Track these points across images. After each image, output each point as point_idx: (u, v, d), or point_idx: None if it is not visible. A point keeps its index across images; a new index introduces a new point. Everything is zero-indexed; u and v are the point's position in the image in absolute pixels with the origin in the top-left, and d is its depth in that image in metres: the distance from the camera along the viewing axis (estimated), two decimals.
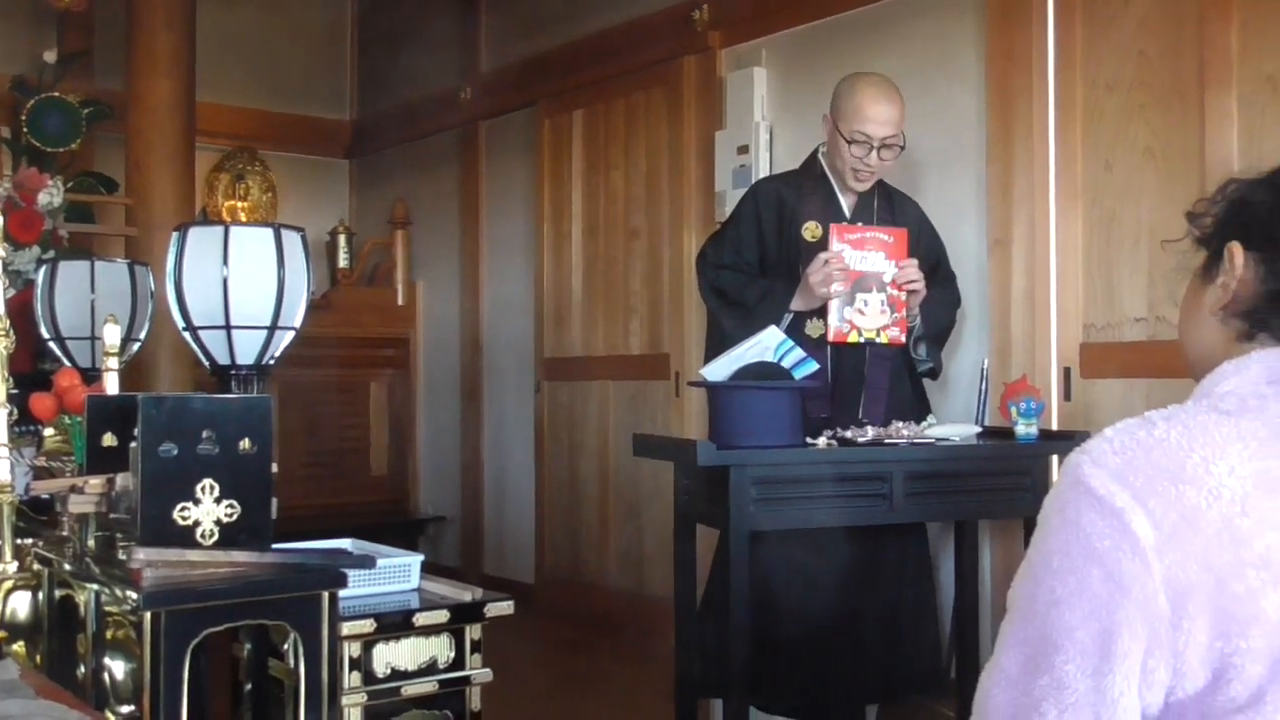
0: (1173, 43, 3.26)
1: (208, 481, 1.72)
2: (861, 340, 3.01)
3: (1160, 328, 3.26)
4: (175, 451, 1.69)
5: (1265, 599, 0.88)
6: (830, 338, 2.99)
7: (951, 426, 2.91)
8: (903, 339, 3.07)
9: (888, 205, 3.24)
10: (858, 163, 3.08)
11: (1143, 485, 0.92)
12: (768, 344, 2.72)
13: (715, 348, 3.16)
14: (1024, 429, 2.83)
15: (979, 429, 2.93)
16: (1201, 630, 0.89)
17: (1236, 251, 1.06)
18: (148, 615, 1.61)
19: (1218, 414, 0.96)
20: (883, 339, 3.03)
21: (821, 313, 3.03)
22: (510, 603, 2.25)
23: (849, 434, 2.81)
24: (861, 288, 3.00)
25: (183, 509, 1.70)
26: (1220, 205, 1.11)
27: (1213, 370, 1.06)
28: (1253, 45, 3.08)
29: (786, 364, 2.72)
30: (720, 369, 2.74)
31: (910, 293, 3.02)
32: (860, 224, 3.09)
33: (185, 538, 1.70)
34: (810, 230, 3.15)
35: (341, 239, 6.65)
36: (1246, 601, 0.88)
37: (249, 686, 2.13)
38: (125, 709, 1.87)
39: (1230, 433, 0.94)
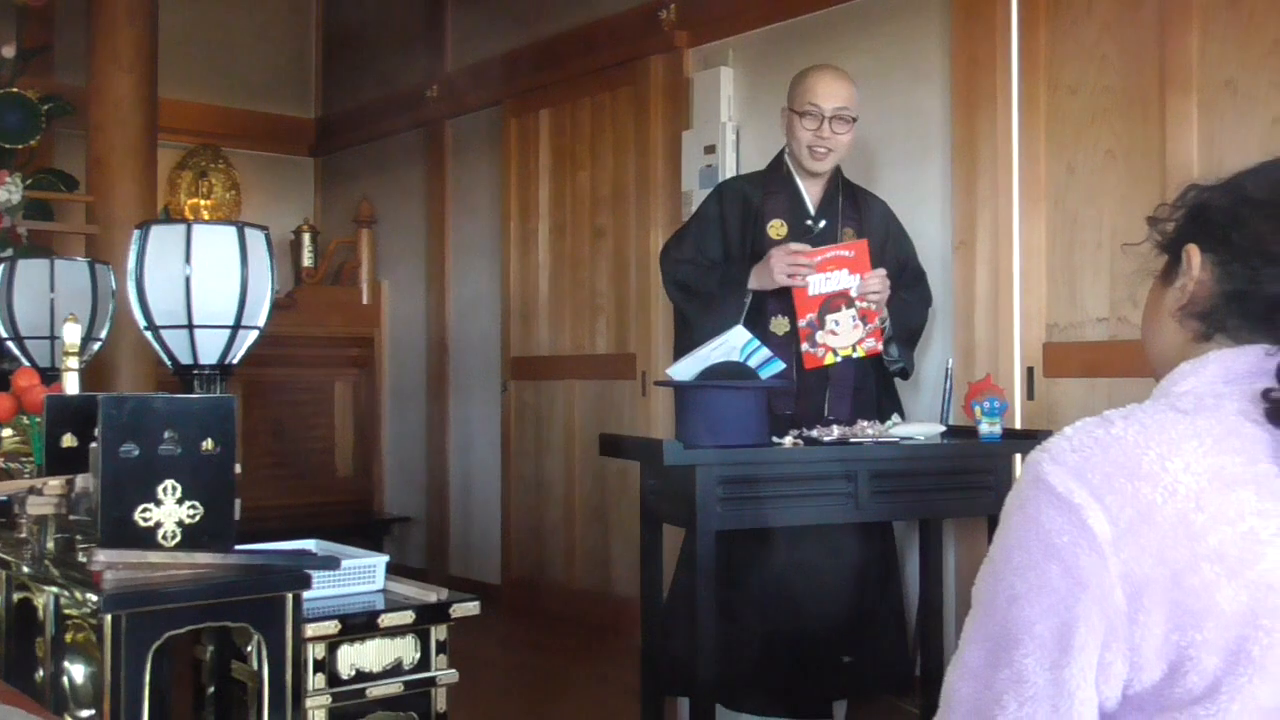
0: (1134, 47, 3.29)
1: (170, 482, 1.70)
2: (839, 360, 3.03)
3: (1121, 328, 3.30)
4: (136, 452, 1.68)
5: (1219, 592, 0.90)
6: (807, 365, 3.01)
7: (916, 425, 2.92)
8: (879, 348, 3.08)
9: (852, 201, 3.26)
10: (811, 136, 3.11)
11: (1100, 482, 0.94)
12: (734, 343, 2.73)
13: (682, 343, 3.18)
14: (988, 428, 2.85)
15: (944, 428, 2.95)
16: (1157, 623, 0.91)
17: (1193, 254, 1.08)
18: (108, 618, 1.60)
19: (1175, 412, 0.98)
20: (859, 353, 3.05)
21: (787, 310, 3.05)
22: (476, 603, 2.24)
23: (815, 433, 2.82)
24: (830, 309, 3.02)
25: (144, 510, 1.68)
26: (1180, 211, 1.13)
27: (1172, 370, 1.08)
28: (1212, 51, 3.12)
29: (753, 363, 2.72)
30: (687, 368, 2.74)
31: (874, 302, 3.04)
32: (824, 245, 3.09)
33: (147, 539, 1.68)
34: (775, 228, 3.17)
35: (306, 238, 6.61)
36: (1201, 595, 0.90)
37: (212, 689, 2.12)
38: (85, 714, 1.85)
39: (1186, 430, 0.96)
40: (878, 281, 3.02)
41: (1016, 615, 0.95)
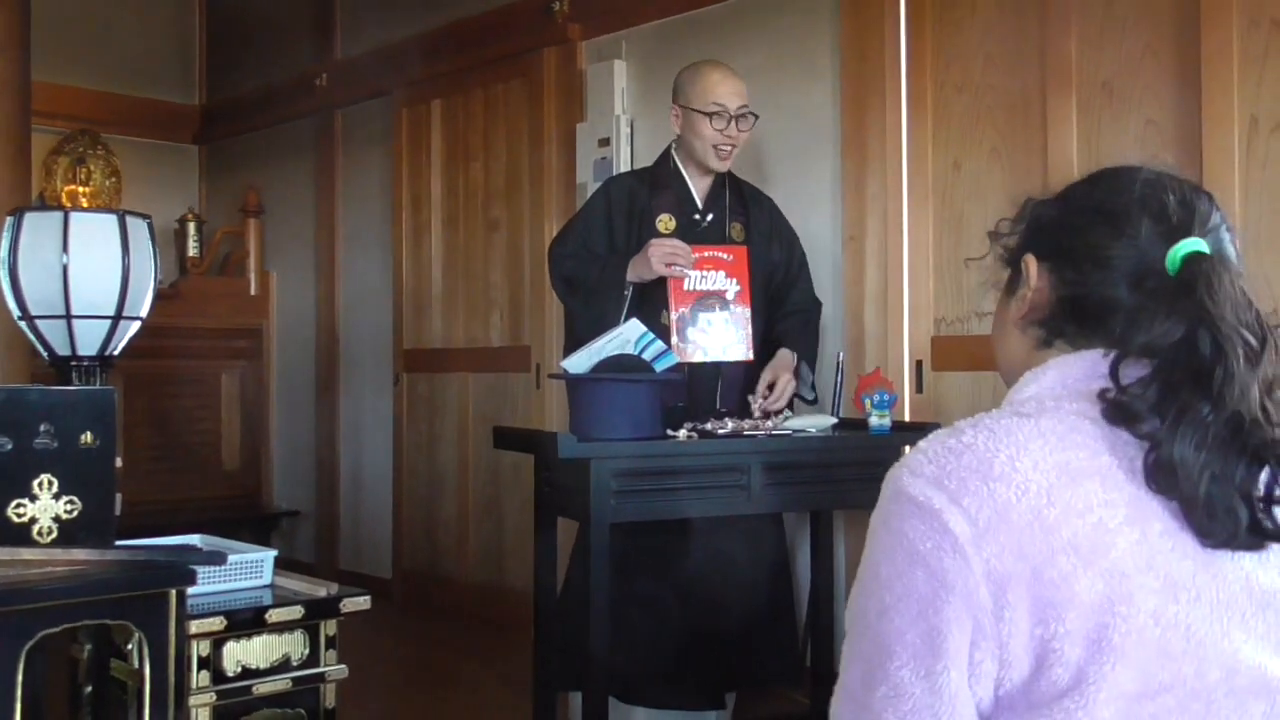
0: (1017, 48, 3.38)
1: (45, 477, 1.65)
2: (707, 360, 3.06)
3: None
4: (9, 446, 1.62)
5: (1077, 583, 0.93)
6: (677, 359, 3.02)
7: (808, 418, 2.96)
8: (750, 356, 3.11)
9: (739, 197, 3.29)
10: (718, 136, 3.13)
11: (956, 487, 0.97)
12: (628, 336, 2.74)
13: (571, 337, 3.18)
14: (878, 420, 2.90)
15: (835, 420, 2.99)
16: (1022, 618, 0.93)
17: (1030, 263, 1.14)
18: None
19: (1019, 417, 1.02)
20: (730, 357, 3.08)
21: (679, 303, 3.07)
22: (367, 598, 2.22)
23: (708, 426, 2.84)
24: (704, 308, 3.04)
25: (18, 505, 1.63)
26: (1020, 224, 1.19)
27: (1019, 378, 1.13)
28: (1090, 54, 3.22)
29: (647, 356, 2.73)
30: (581, 361, 2.74)
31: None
32: (711, 240, 3.14)
33: (20, 536, 1.63)
34: (664, 223, 3.19)
35: (191, 227, 6.45)
36: (1060, 587, 0.93)
37: (89, 689, 2.06)
38: None
39: (1031, 432, 0.99)
40: (778, 400, 3.08)
41: (887, 627, 0.97)
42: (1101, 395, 1.02)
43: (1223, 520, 0.95)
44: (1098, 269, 1.08)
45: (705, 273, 3.05)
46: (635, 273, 3.05)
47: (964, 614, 0.94)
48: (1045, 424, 1.00)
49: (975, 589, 0.94)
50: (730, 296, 3.06)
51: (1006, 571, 0.93)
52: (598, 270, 3.14)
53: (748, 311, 3.10)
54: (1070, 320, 1.11)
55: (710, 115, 3.12)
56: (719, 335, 3.07)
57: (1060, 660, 0.93)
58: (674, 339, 3.02)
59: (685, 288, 3.04)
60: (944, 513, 0.96)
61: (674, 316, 3.04)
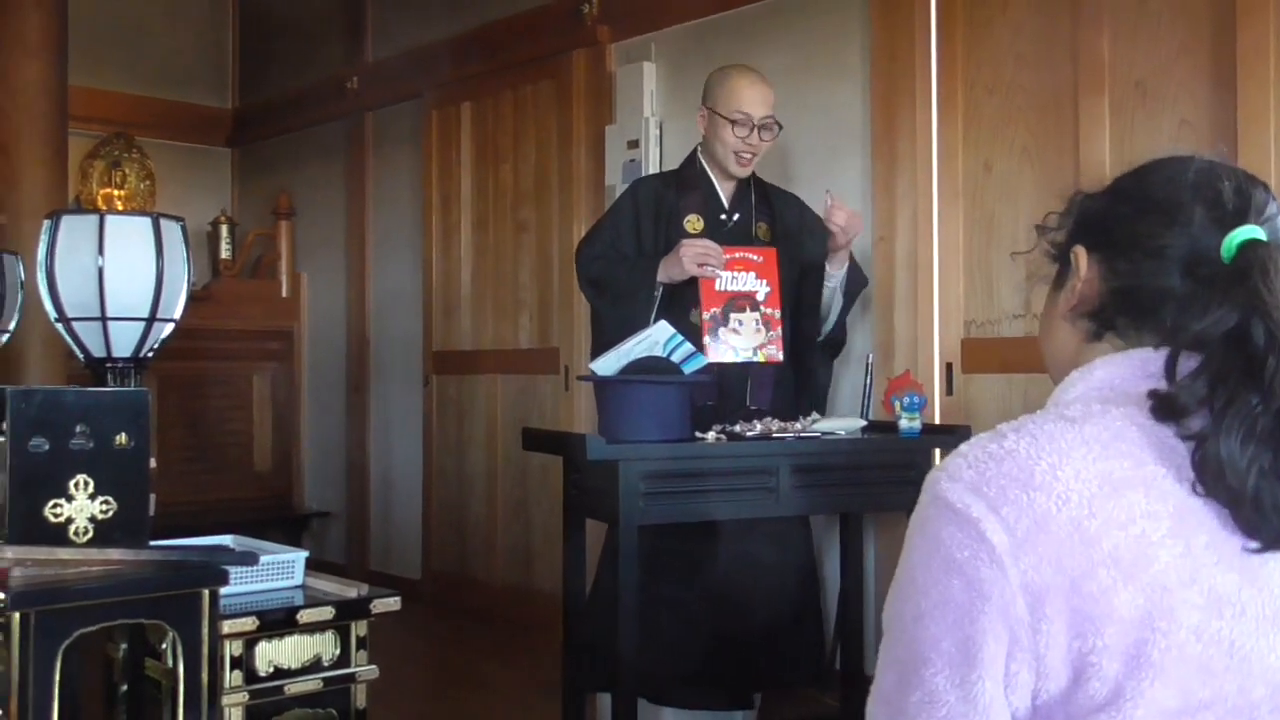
0: (1049, 48, 3.36)
1: (81, 477, 1.67)
2: (738, 360, 3.05)
3: (1036, 325, 3.34)
4: (47, 446, 1.64)
5: (1117, 597, 0.91)
6: (708, 358, 3.01)
7: (837, 420, 2.95)
8: (780, 357, 3.11)
9: (764, 198, 3.30)
10: (740, 144, 3.15)
11: (995, 495, 0.95)
12: (657, 338, 2.74)
13: (598, 339, 3.19)
14: (907, 423, 2.88)
15: (864, 423, 2.98)
16: (1060, 631, 0.91)
17: (1080, 254, 1.11)
18: (16, 616, 1.56)
19: (1063, 421, 0.99)
20: (760, 357, 3.07)
21: (710, 303, 3.08)
22: (397, 599, 2.23)
23: (737, 428, 2.84)
24: (734, 308, 3.04)
25: (55, 505, 1.65)
26: (1069, 218, 1.16)
27: (1066, 374, 1.10)
28: (1123, 53, 3.19)
29: (676, 359, 2.73)
30: (609, 363, 2.74)
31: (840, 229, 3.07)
32: (738, 241, 3.15)
33: (57, 535, 1.65)
34: (691, 223, 3.21)
35: (223, 229, 6.50)
36: (1100, 600, 0.91)
37: (124, 688, 2.08)
38: None
39: (1075, 438, 0.97)
40: (843, 217, 3.05)
41: (922, 634, 0.96)
42: (1152, 393, 0.99)
43: (1271, 518, 0.92)
44: (1150, 259, 1.05)
45: (736, 274, 3.06)
46: (666, 273, 3.05)
47: (1000, 625, 0.92)
48: (1090, 430, 0.98)
49: (1012, 600, 0.92)
50: (760, 298, 3.07)
51: (1044, 584, 0.91)
52: (626, 271, 3.14)
53: (778, 313, 3.10)
54: (1122, 312, 1.08)
55: (733, 122, 3.13)
56: (750, 336, 3.07)
57: (1098, 674, 0.91)
58: (705, 339, 3.01)
59: (716, 288, 3.04)
60: (982, 521, 0.94)
61: (705, 316, 3.04)
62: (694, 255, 3.00)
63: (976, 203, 3.52)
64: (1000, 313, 3.45)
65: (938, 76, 3.59)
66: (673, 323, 2.83)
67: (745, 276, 3.07)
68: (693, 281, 3.05)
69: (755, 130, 3.15)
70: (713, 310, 3.04)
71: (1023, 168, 3.41)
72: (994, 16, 3.47)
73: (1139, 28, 3.17)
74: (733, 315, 3.05)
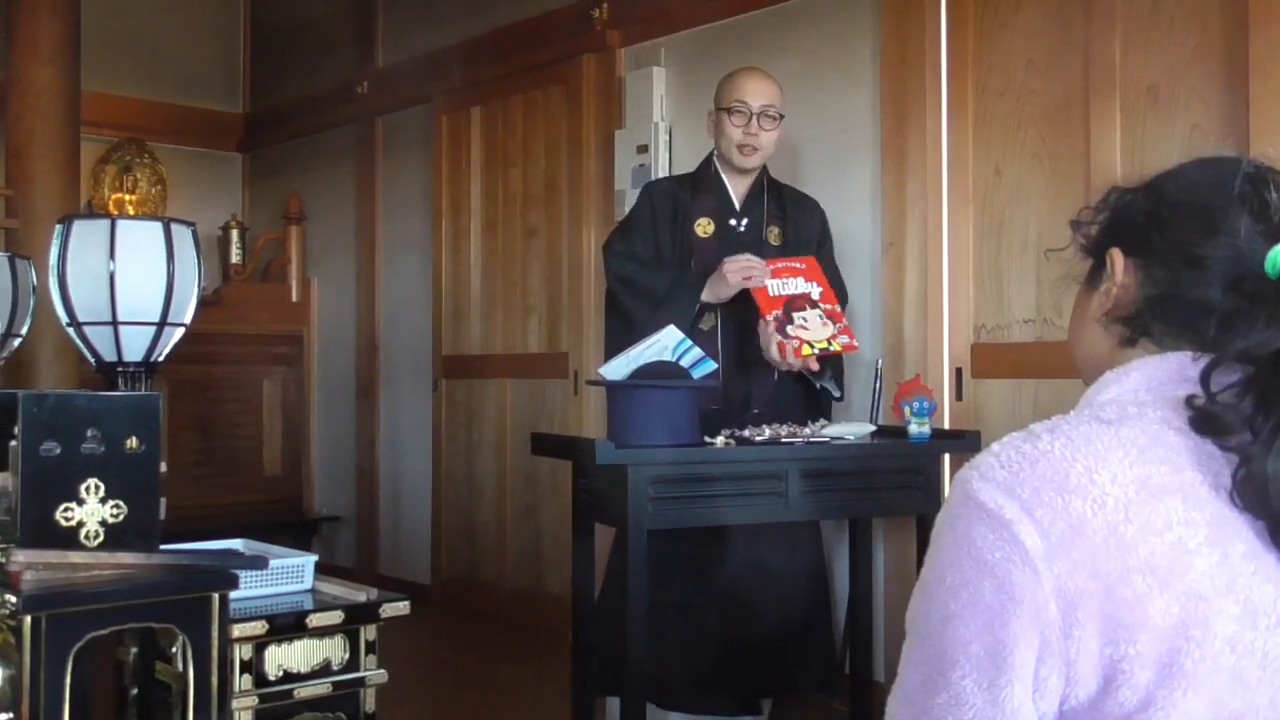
0: (1060, 53, 3.35)
1: (93, 481, 1.67)
2: (815, 352, 3.02)
3: (1047, 330, 3.35)
4: (58, 450, 1.64)
5: (1151, 604, 0.89)
6: (787, 356, 2.96)
7: (847, 425, 2.95)
8: (856, 345, 3.09)
9: (778, 201, 3.30)
10: (739, 134, 3.17)
11: (1029, 496, 0.92)
12: (666, 343, 2.74)
13: (616, 340, 3.18)
14: (917, 428, 2.88)
15: (874, 428, 2.98)
16: (1092, 637, 0.89)
17: (1117, 258, 1.07)
18: (27, 619, 1.56)
19: (1099, 423, 0.97)
20: (835, 347, 3.04)
21: (715, 306, 3.07)
22: (406, 603, 2.23)
23: (746, 433, 2.84)
24: (795, 308, 3.04)
25: (66, 509, 1.65)
26: (1104, 214, 1.12)
27: (1099, 376, 1.07)
28: (1134, 57, 3.19)
29: (685, 363, 2.73)
30: (618, 368, 2.74)
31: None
32: (749, 242, 3.16)
33: (68, 539, 1.65)
34: (703, 226, 3.21)
35: (234, 234, 6.51)
36: (1134, 608, 0.89)
37: (135, 691, 2.08)
38: (3, 717, 1.81)
39: (1111, 441, 0.94)
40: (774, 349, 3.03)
41: (951, 635, 0.93)
42: (1189, 402, 0.96)
43: None
44: (1190, 268, 1.02)
45: (784, 280, 3.05)
46: (713, 292, 3.05)
47: (1031, 629, 0.90)
48: (1127, 433, 0.95)
49: (1044, 605, 0.90)
50: (815, 297, 3.06)
51: (1078, 589, 0.89)
52: (665, 281, 3.14)
53: (837, 307, 3.09)
54: (1158, 319, 1.04)
55: (732, 112, 3.15)
56: (818, 330, 3.04)
57: (1129, 682, 0.89)
58: (777, 336, 2.98)
59: (770, 294, 3.04)
60: (1015, 523, 0.91)
61: (769, 319, 3.01)
62: (737, 270, 3.00)
63: (987, 208, 3.51)
64: (1010, 318, 3.44)
65: (948, 81, 3.58)
66: (746, 326, 2.83)
67: (794, 281, 3.07)
68: (747, 295, 3.04)
69: (754, 118, 3.16)
70: (774, 313, 3.03)
71: (1033, 172, 3.40)
72: (1005, 21, 3.47)
73: (1150, 31, 3.16)
74: (795, 314, 3.04)
